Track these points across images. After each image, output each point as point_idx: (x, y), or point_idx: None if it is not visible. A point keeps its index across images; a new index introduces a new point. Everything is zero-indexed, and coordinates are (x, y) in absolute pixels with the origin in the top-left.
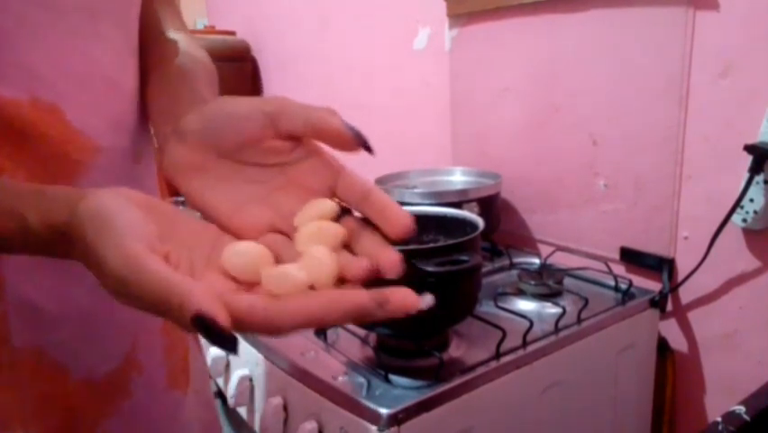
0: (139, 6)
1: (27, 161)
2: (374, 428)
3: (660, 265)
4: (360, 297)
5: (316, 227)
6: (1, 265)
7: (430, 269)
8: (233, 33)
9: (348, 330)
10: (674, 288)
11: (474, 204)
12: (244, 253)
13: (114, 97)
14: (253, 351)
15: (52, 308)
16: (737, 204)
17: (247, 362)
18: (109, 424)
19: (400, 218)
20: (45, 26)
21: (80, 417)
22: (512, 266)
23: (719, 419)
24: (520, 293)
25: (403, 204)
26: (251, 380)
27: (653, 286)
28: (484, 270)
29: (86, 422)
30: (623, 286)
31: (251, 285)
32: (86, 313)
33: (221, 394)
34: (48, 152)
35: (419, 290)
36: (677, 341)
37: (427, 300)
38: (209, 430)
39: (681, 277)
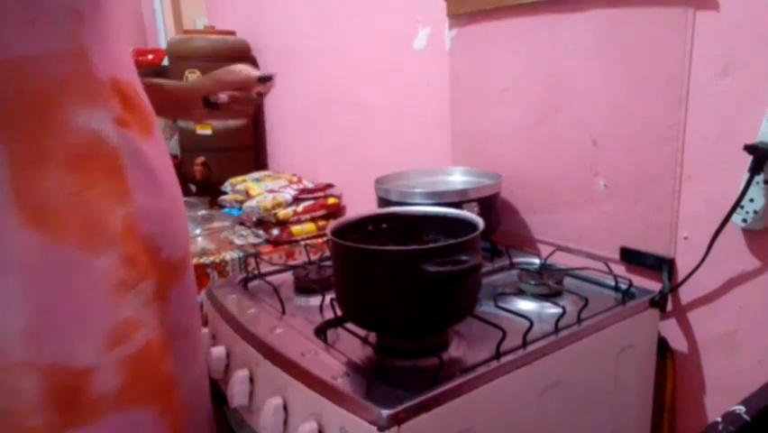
0: None
1: (136, 121)
2: (374, 427)
3: (660, 265)
4: None
5: None
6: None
7: (430, 269)
8: (232, 33)
9: (348, 330)
10: (674, 288)
11: (474, 204)
12: None
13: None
14: (253, 351)
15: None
16: (737, 204)
17: (247, 362)
18: (176, 292)
19: None
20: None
21: (161, 285)
22: (512, 266)
23: (719, 419)
24: (520, 293)
25: (403, 204)
26: (251, 380)
27: (654, 286)
28: (484, 270)
29: (164, 289)
30: (623, 286)
31: None
32: (177, 213)
33: (221, 394)
34: (142, 115)
35: (420, 289)
36: (677, 341)
37: None
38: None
39: (681, 277)
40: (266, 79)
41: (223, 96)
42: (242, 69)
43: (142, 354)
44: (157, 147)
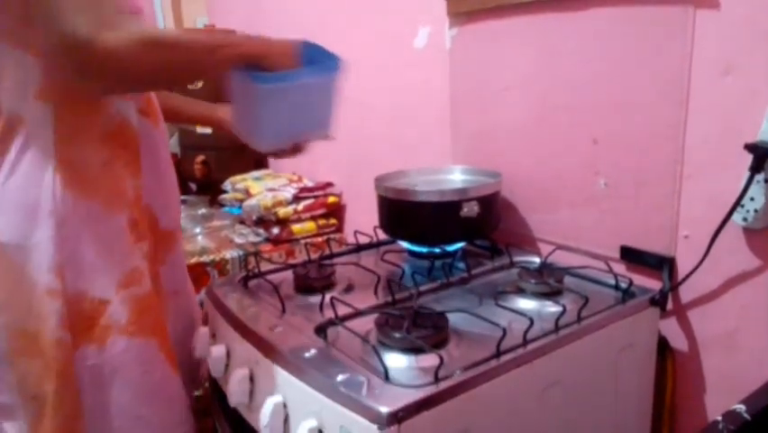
0: None
1: (152, 112)
2: (374, 426)
3: (660, 264)
4: None
5: None
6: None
7: None
8: (232, 32)
9: (348, 329)
10: (675, 287)
11: (474, 203)
12: None
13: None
14: (253, 350)
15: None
16: (738, 203)
17: (247, 361)
18: (170, 257)
19: None
20: None
21: (158, 249)
22: (512, 265)
23: (720, 418)
24: (520, 292)
25: (403, 203)
26: (251, 379)
27: (654, 285)
28: (484, 269)
29: (160, 253)
30: (623, 285)
31: None
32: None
33: (221, 394)
34: (155, 108)
35: None
36: (677, 340)
37: None
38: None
39: (681, 276)
40: None
41: None
42: None
43: (146, 298)
44: (163, 136)
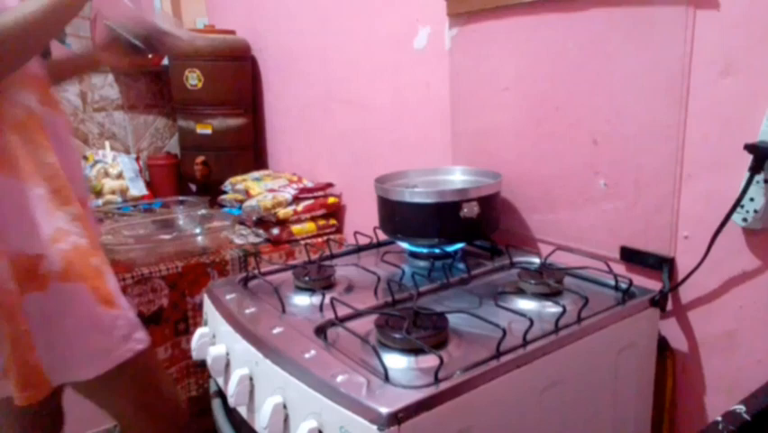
0: None
1: (50, 102)
2: (374, 427)
3: (660, 264)
4: None
5: None
6: None
7: None
8: (232, 32)
9: (348, 330)
10: (674, 287)
11: (474, 203)
12: None
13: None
14: (253, 350)
15: None
16: (737, 203)
17: (247, 361)
18: (89, 217)
19: None
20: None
21: (80, 212)
22: (512, 265)
23: (720, 419)
24: (520, 292)
25: (403, 203)
26: (251, 379)
27: (654, 285)
28: (484, 269)
29: (83, 215)
30: (623, 285)
31: None
32: (79, 170)
33: (221, 394)
34: (54, 99)
35: None
36: (677, 340)
37: None
38: None
39: (681, 276)
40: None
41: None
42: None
43: (74, 251)
44: (63, 122)
